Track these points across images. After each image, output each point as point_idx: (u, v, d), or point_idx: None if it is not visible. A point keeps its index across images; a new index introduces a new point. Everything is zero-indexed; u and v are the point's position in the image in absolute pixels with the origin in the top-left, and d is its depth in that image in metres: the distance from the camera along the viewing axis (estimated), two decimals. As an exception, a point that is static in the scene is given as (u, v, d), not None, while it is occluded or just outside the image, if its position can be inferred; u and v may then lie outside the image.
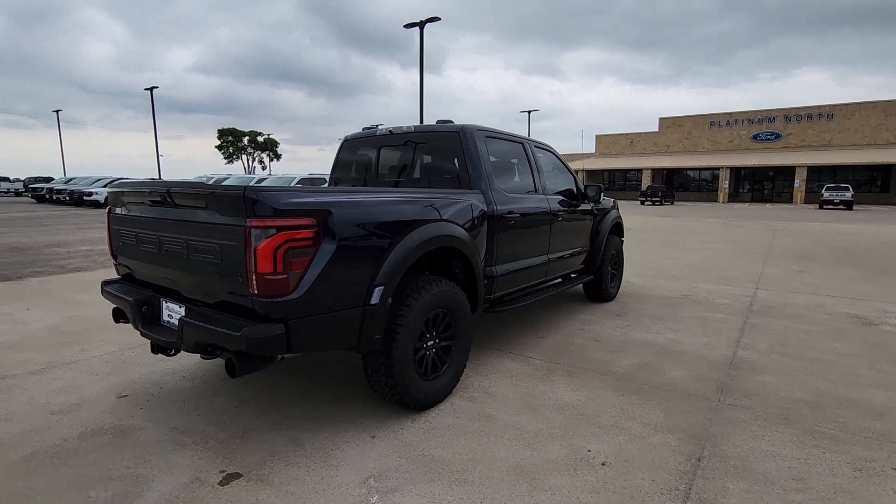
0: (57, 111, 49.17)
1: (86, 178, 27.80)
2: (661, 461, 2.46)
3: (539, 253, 4.29)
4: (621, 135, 49.60)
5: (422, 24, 19.84)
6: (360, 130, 4.33)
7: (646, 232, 14.36)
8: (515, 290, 4.10)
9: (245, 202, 2.17)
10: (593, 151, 52.42)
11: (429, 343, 3.01)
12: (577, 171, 5.83)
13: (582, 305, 5.63)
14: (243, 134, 66.31)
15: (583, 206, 5.05)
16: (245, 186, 2.20)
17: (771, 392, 3.26)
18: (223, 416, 2.90)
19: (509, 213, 3.78)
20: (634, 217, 20.08)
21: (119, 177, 24.85)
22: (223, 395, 3.18)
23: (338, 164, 4.48)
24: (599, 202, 5.27)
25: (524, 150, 4.34)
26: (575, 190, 4.97)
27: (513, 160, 4.21)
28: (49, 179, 37.22)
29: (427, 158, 3.96)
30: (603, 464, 2.44)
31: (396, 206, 2.76)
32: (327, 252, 2.35)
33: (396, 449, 2.57)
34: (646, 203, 34.72)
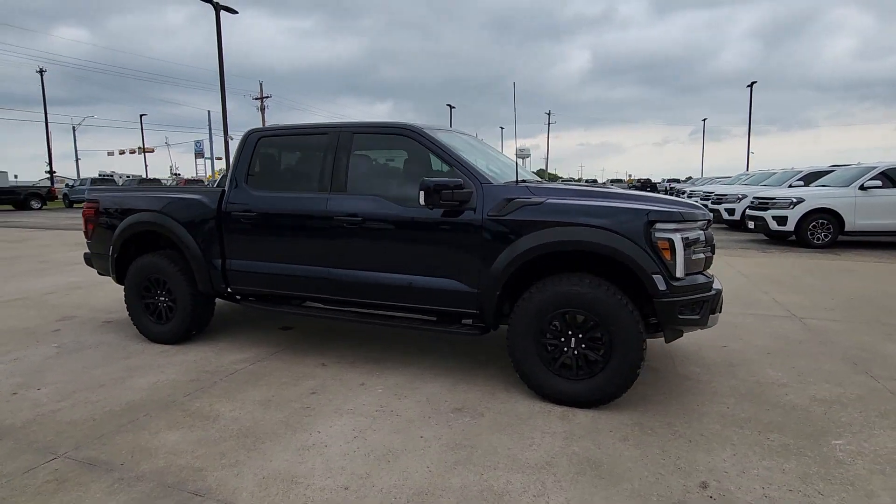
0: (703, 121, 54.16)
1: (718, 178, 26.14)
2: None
3: (310, 262, 3.66)
4: None
5: None
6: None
7: None
8: (281, 295, 3.88)
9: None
10: None
11: (161, 298, 4.25)
12: None
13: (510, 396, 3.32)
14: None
15: (440, 215, 3.21)
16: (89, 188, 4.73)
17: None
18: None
19: (244, 212, 3.82)
20: None
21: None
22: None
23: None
24: (438, 202, 3.02)
25: (332, 140, 3.67)
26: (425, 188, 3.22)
27: (298, 156, 3.79)
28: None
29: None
30: None
31: (121, 200, 4.28)
32: (98, 223, 4.48)
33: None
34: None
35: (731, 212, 13.08)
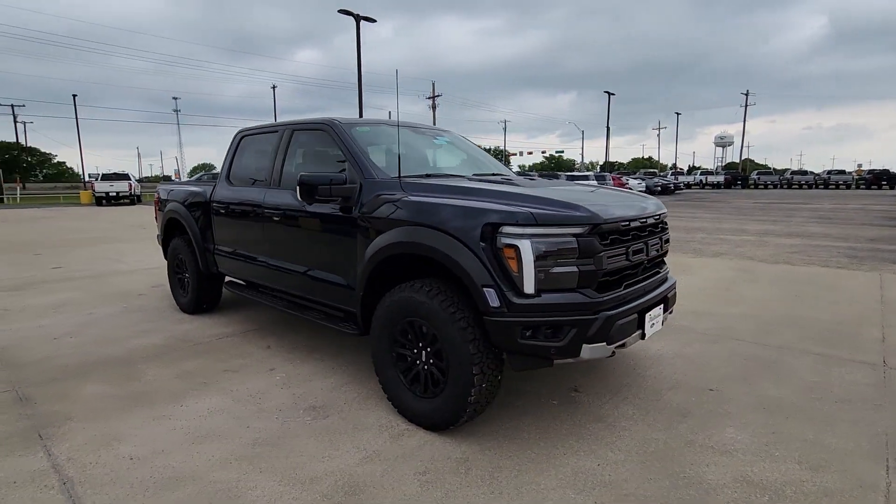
0: None
1: None
2: None
3: (259, 252, 3.96)
4: None
5: None
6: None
7: None
8: (250, 282, 4.27)
9: (164, 188, 5.81)
10: None
11: (186, 275, 5.07)
12: None
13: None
14: None
15: (326, 209, 3.20)
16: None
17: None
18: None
19: (219, 202, 4.32)
20: None
21: None
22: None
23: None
24: (313, 198, 2.96)
25: (278, 138, 3.90)
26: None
27: (264, 151, 4.09)
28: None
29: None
30: None
31: (165, 192, 5.15)
32: (160, 211, 5.52)
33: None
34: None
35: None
